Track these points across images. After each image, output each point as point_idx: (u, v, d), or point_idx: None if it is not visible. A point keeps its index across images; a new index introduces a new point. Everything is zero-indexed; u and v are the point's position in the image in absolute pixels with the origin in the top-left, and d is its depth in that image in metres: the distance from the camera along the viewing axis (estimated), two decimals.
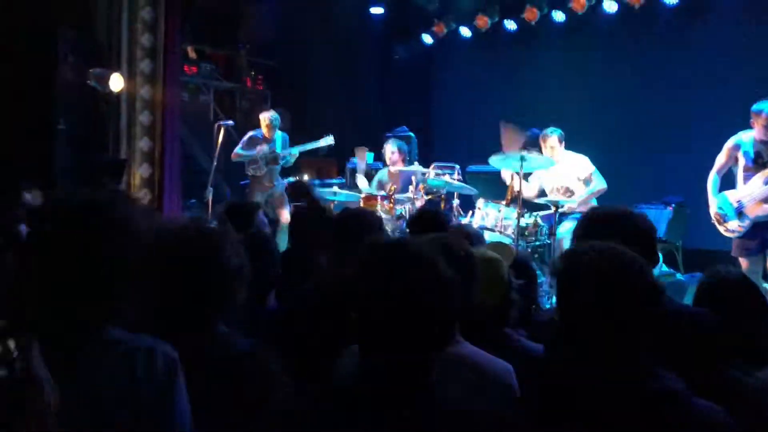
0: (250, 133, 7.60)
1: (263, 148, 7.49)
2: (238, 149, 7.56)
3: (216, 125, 7.31)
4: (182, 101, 8.77)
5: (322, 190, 7.49)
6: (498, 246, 2.85)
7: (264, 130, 7.52)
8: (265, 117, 7.56)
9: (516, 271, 2.51)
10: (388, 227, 6.08)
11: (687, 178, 7.28)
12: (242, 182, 7.94)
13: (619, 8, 8.17)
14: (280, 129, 7.66)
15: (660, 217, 7.69)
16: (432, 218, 3.57)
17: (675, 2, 7.77)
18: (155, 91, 7.63)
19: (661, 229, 7.60)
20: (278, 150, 7.45)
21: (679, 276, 6.51)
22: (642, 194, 7.86)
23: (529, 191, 6.43)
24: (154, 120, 7.64)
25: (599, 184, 6.26)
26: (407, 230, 3.00)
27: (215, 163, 7.12)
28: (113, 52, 7.47)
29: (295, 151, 7.54)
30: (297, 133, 7.74)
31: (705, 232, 6.28)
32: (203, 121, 9.54)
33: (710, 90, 7.50)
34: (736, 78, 7.23)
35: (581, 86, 8.54)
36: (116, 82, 7.16)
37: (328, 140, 7.53)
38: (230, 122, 7.63)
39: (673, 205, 7.64)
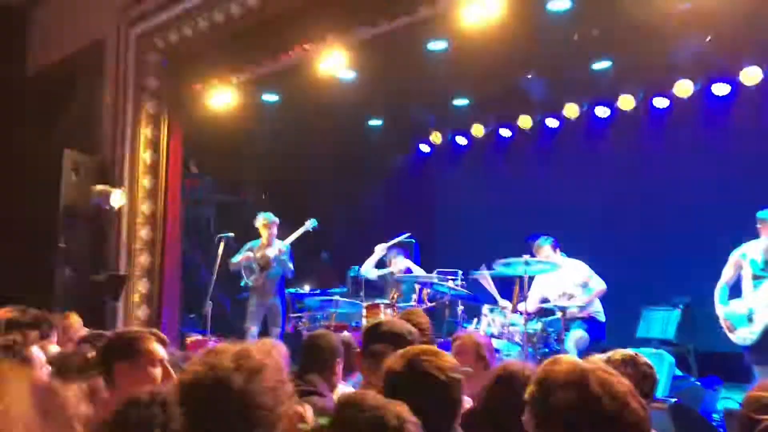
0: (249, 244, 7.60)
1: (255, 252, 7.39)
2: (233, 258, 7.49)
3: (216, 238, 7.30)
4: (183, 215, 8.82)
5: (322, 298, 7.41)
6: None
7: (262, 232, 7.42)
8: (260, 217, 7.46)
9: None
10: None
11: (694, 278, 7.23)
12: (239, 296, 7.86)
13: (612, 113, 8.38)
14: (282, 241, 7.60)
15: (668, 319, 7.58)
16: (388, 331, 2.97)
17: (666, 106, 7.96)
18: (156, 207, 7.71)
19: (671, 332, 7.47)
20: (285, 251, 7.32)
21: (693, 380, 6.32)
22: (649, 296, 7.80)
23: (530, 304, 6.37)
24: (155, 235, 7.67)
25: (598, 285, 6.24)
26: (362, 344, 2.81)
27: (215, 276, 7.06)
28: (116, 169, 7.61)
29: (286, 247, 7.39)
30: (298, 242, 7.71)
31: (717, 333, 6.15)
32: (204, 233, 9.57)
33: (713, 189, 7.57)
34: (739, 180, 7.31)
35: (582, 189, 8.65)
36: (118, 199, 7.24)
37: (310, 223, 7.43)
38: (230, 235, 7.64)
39: (681, 306, 7.55)
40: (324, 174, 10.14)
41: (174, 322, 7.53)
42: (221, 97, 8.03)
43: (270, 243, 7.40)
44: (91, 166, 7.54)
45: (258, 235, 7.56)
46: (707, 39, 6.62)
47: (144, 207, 7.62)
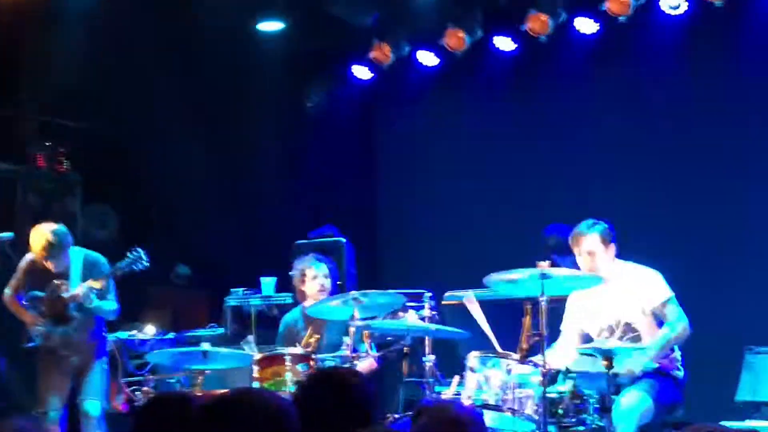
0: (28, 257, 7.54)
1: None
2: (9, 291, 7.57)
3: None
4: None
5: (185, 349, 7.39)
6: None
7: (40, 256, 7.43)
8: (40, 236, 7.43)
9: None
10: None
11: None
12: (28, 345, 7.76)
13: None
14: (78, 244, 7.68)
15: None
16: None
17: None
18: None
19: None
20: (74, 286, 7.33)
21: None
22: (756, 328, 7.99)
23: (562, 347, 6.47)
24: None
25: (679, 321, 6.31)
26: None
27: None
28: None
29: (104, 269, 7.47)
30: (131, 245, 7.65)
31: None
32: None
33: None
34: None
35: (629, 151, 8.85)
36: None
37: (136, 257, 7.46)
38: (7, 236, 7.52)
39: None
40: (180, 122, 10.04)
41: None
42: None
43: (59, 271, 7.48)
44: None
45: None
46: None
47: None
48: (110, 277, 7.48)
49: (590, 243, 6.41)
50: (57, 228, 7.52)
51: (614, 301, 6.38)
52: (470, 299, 6.61)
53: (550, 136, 9.36)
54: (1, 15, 8.68)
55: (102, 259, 7.61)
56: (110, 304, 7.52)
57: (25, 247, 7.63)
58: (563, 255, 6.64)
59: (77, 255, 7.55)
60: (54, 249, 7.38)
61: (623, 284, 6.39)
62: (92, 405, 7.36)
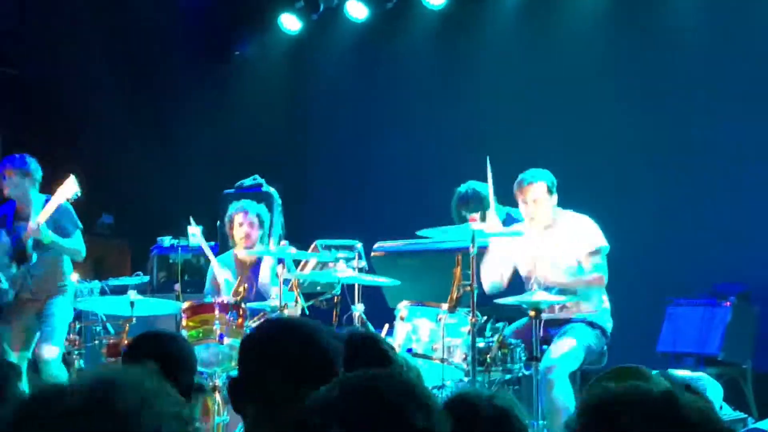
0: None
1: None
2: None
3: None
4: None
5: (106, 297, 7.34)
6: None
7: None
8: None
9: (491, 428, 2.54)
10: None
11: (753, 256, 7.58)
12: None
13: None
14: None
15: (712, 320, 7.93)
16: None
17: None
18: None
19: (715, 342, 7.82)
20: (45, 230, 7.29)
21: (752, 422, 6.66)
22: (677, 283, 8.14)
23: (493, 276, 6.58)
24: None
25: (597, 271, 6.42)
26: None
27: None
28: None
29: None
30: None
31: None
32: None
33: None
34: None
35: (567, 99, 8.87)
36: None
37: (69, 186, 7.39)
38: None
39: (732, 298, 7.90)
40: (106, 71, 9.92)
41: None
42: None
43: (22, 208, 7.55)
44: None
45: None
46: None
47: None
48: (58, 211, 7.40)
49: (536, 191, 6.44)
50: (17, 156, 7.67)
51: (554, 247, 6.45)
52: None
53: (479, 88, 9.34)
54: None
55: (67, 204, 7.51)
56: (71, 242, 7.52)
57: None
58: (471, 211, 6.56)
59: (39, 198, 7.50)
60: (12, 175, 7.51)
61: (564, 231, 6.46)
62: (49, 350, 7.27)
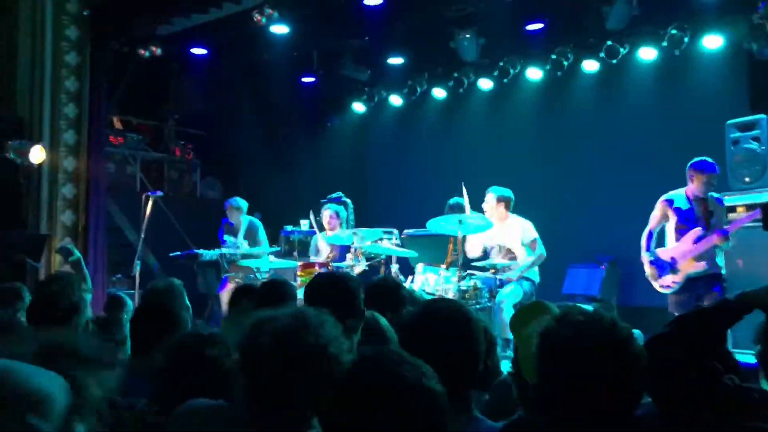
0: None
1: None
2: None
3: (143, 196, 7.08)
4: (108, 172, 8.52)
5: (257, 260, 7.34)
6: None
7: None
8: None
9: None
10: None
11: (618, 237, 7.48)
12: (172, 254, 7.67)
13: (543, 75, 8.48)
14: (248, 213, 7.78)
15: (593, 276, 7.86)
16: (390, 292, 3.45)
17: (596, 69, 8.11)
18: (79, 163, 7.41)
19: (595, 288, 7.76)
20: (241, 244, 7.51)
21: None
22: (574, 254, 8.03)
23: (473, 250, 6.44)
24: (78, 192, 7.39)
25: (540, 251, 6.29)
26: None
27: (143, 236, 6.84)
28: (34, 124, 7.23)
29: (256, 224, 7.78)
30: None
31: (639, 289, 6.41)
32: (130, 192, 9.27)
33: (639, 148, 7.76)
34: (663, 136, 7.52)
35: (511, 149, 8.73)
36: (37, 155, 6.89)
37: None
38: (158, 193, 7.42)
39: (606, 263, 7.82)
40: (256, 131, 9.94)
41: (101, 283, 7.29)
42: (147, 50, 7.75)
43: (237, 227, 7.68)
44: (6, 121, 7.12)
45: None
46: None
47: (66, 163, 7.30)
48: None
49: (489, 198, 6.35)
50: (235, 198, 7.76)
51: (504, 235, 6.37)
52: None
53: (459, 145, 9.25)
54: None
55: (255, 224, 7.74)
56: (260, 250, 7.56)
57: (170, 200, 7.56)
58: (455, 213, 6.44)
59: (245, 218, 7.69)
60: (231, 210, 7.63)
61: (511, 227, 6.37)
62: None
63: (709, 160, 5.29)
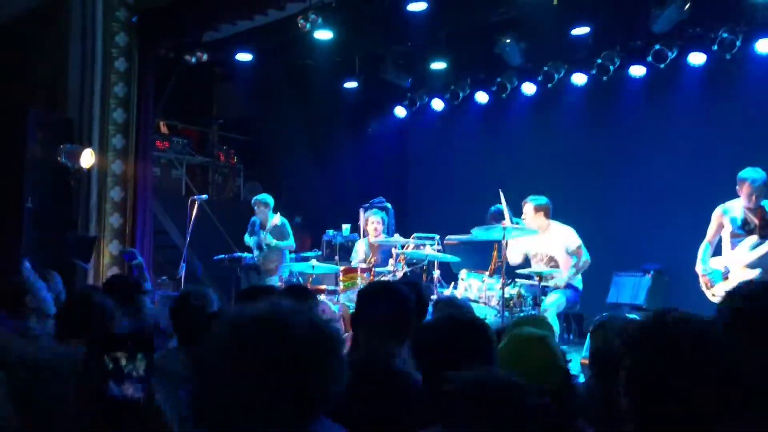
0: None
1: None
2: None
3: (189, 200, 7.18)
4: (154, 176, 8.66)
5: (299, 264, 7.35)
6: (532, 320, 2.61)
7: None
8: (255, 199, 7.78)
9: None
10: None
11: (666, 246, 7.34)
12: (216, 257, 7.75)
13: (588, 80, 8.34)
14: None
15: (639, 284, 7.71)
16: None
17: (643, 74, 7.95)
18: (127, 167, 7.55)
19: (641, 297, 7.61)
20: (269, 236, 7.55)
21: None
22: (620, 262, 7.89)
23: (514, 258, 6.34)
24: (126, 196, 7.52)
25: (585, 257, 6.17)
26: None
27: (188, 239, 6.94)
28: (84, 128, 7.39)
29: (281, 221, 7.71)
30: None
31: (687, 298, 6.24)
32: (176, 195, 9.41)
33: (688, 155, 7.61)
34: (714, 144, 7.35)
35: (555, 155, 8.65)
36: (87, 159, 7.04)
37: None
38: (203, 197, 7.51)
39: (652, 272, 7.67)
40: (298, 136, 9.99)
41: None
42: (193, 56, 7.87)
43: (264, 224, 7.71)
44: (57, 124, 7.30)
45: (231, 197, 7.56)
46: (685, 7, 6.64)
47: (114, 167, 7.44)
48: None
49: (527, 209, 6.27)
50: (263, 195, 7.80)
51: (547, 243, 6.26)
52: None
53: (502, 150, 9.19)
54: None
55: (285, 221, 7.74)
56: (286, 243, 7.67)
57: (215, 204, 7.63)
58: (498, 221, 6.34)
59: (272, 215, 7.71)
60: (259, 206, 7.64)
61: (554, 235, 6.26)
62: None
63: (753, 170, 5.14)
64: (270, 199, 7.71)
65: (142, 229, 7.51)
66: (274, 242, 7.53)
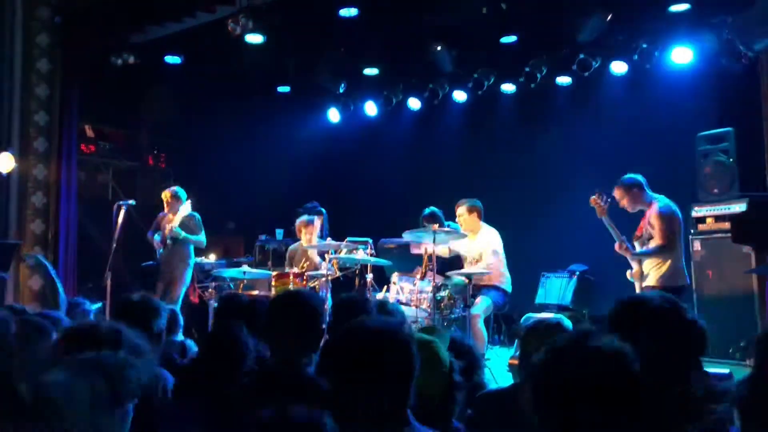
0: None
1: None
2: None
3: (115, 205, 6.95)
4: (79, 181, 8.36)
5: (230, 270, 7.20)
6: (428, 329, 2.67)
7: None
8: (165, 193, 7.22)
9: (456, 351, 2.37)
10: None
11: (591, 249, 7.52)
12: (144, 263, 7.54)
13: (516, 87, 8.53)
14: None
15: (566, 286, 7.90)
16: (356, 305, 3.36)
17: (569, 82, 8.19)
18: (50, 171, 7.28)
19: (567, 298, 7.80)
20: (177, 228, 6.94)
21: None
22: (549, 264, 8.08)
23: (442, 251, 6.43)
24: (48, 201, 7.24)
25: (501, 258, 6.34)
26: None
27: (114, 245, 6.71)
28: (3, 131, 7.09)
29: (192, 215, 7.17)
30: (203, 211, 7.48)
31: (611, 300, 6.42)
32: (102, 201, 9.11)
33: (611, 160, 7.76)
34: (635, 149, 7.55)
35: (485, 160, 8.82)
36: (6, 163, 6.75)
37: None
38: (130, 202, 7.29)
39: (578, 273, 7.87)
40: (230, 140, 9.83)
41: (71, 293, 7.14)
42: (120, 58, 7.65)
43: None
44: None
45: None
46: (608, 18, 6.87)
47: (36, 171, 7.16)
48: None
49: (461, 211, 6.39)
50: (175, 187, 7.28)
51: (477, 245, 6.37)
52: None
53: (446, 153, 9.24)
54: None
55: (195, 214, 7.19)
56: (196, 238, 7.11)
57: (142, 210, 7.39)
58: (431, 223, 6.40)
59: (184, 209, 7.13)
60: (169, 198, 7.13)
61: (482, 235, 6.38)
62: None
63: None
64: (182, 192, 7.18)
65: (66, 235, 7.25)
66: (182, 234, 6.93)
